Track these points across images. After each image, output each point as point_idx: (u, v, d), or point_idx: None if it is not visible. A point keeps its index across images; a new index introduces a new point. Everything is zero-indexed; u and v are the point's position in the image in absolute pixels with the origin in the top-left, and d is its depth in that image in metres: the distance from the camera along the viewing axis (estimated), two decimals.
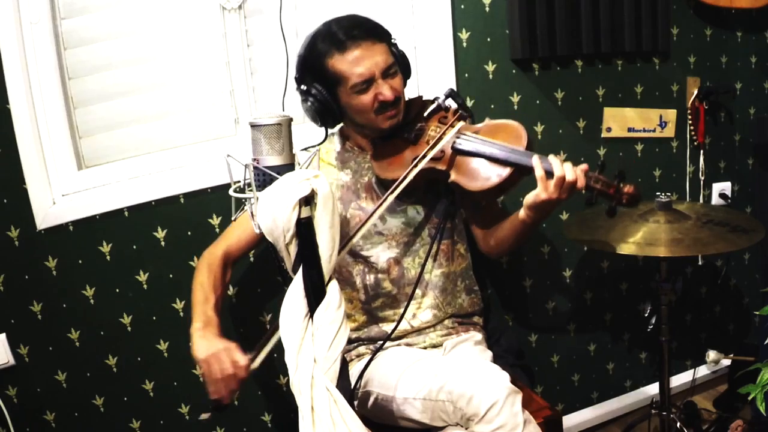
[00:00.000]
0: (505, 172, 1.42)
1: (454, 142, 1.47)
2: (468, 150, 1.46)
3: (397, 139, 1.55)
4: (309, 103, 1.48)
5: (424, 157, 1.43)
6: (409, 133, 1.55)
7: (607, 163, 1.41)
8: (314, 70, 1.47)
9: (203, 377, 1.33)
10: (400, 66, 1.51)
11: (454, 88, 1.52)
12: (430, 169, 1.48)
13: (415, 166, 1.41)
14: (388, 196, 1.38)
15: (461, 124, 1.47)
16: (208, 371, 1.30)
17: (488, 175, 1.43)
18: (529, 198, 1.41)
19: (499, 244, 1.62)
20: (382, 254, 1.58)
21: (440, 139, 1.45)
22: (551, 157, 1.38)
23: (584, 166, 1.39)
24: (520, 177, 1.43)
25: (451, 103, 1.51)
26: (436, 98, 1.52)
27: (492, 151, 1.43)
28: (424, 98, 1.63)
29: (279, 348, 1.21)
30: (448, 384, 1.32)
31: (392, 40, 1.52)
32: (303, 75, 1.50)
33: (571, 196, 1.39)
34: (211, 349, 1.31)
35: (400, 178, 1.40)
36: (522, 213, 1.45)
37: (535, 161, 1.38)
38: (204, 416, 1.34)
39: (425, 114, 1.51)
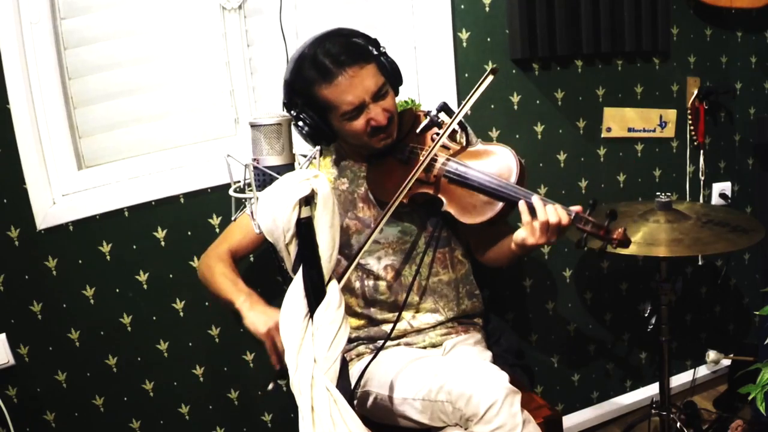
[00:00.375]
0: (497, 207, 1.42)
1: (446, 170, 1.47)
2: (459, 180, 1.46)
3: (391, 159, 1.53)
4: (300, 128, 1.45)
5: (410, 181, 1.41)
6: (402, 153, 1.53)
7: (598, 202, 1.40)
8: (303, 97, 1.43)
9: (267, 350, 1.32)
10: (390, 81, 1.47)
11: (448, 102, 1.48)
12: (423, 194, 1.48)
13: (402, 191, 1.40)
14: (379, 222, 1.39)
15: (442, 142, 1.45)
16: (272, 343, 1.31)
17: (479, 209, 1.43)
18: (518, 238, 1.38)
19: (492, 262, 1.63)
20: (380, 262, 1.58)
21: (424, 161, 1.43)
22: (535, 199, 1.36)
23: (577, 208, 1.37)
24: (511, 211, 1.43)
25: (445, 118, 1.48)
26: (429, 112, 1.49)
27: (482, 184, 1.43)
28: (416, 110, 1.62)
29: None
30: (447, 384, 1.32)
31: (381, 49, 1.47)
32: (292, 100, 1.46)
33: (561, 236, 1.37)
34: (270, 321, 1.32)
35: (389, 205, 1.39)
36: (513, 245, 1.43)
37: (522, 207, 1.36)
38: (270, 387, 1.34)
39: (417, 131, 1.49)
